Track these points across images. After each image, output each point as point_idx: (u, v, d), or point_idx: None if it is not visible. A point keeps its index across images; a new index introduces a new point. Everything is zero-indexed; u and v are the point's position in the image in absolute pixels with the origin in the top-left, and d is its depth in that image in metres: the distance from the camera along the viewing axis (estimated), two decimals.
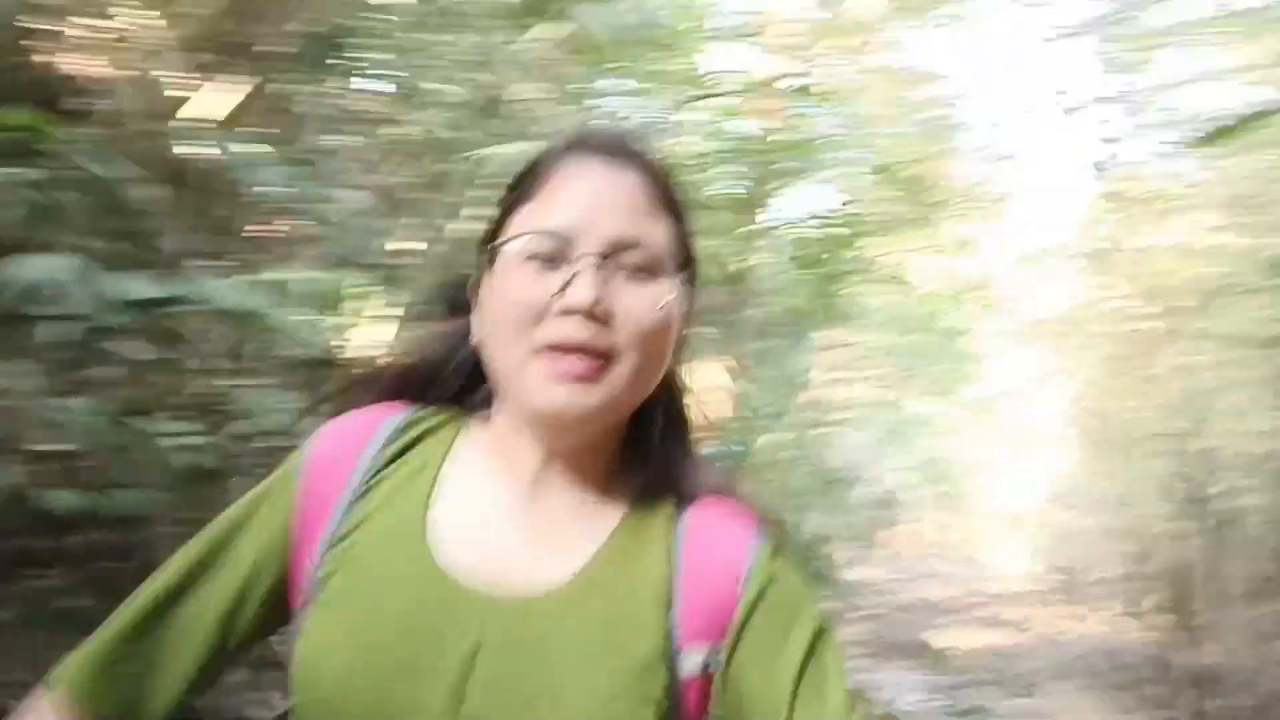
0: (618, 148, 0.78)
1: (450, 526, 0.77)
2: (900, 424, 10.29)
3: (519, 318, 0.72)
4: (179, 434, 2.06)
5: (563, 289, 0.71)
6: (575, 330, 0.70)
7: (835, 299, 6.04)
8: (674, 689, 0.71)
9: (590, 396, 0.71)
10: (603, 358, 0.71)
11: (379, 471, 0.80)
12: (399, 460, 0.81)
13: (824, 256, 5.75)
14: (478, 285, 0.79)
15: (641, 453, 0.80)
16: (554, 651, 0.71)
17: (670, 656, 0.72)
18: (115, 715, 0.76)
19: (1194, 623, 6.68)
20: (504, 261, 0.75)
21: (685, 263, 0.79)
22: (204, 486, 2.07)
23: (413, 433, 0.82)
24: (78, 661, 0.77)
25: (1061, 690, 6.36)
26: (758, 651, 0.72)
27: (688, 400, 0.85)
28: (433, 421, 0.83)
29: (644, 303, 0.73)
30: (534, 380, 0.71)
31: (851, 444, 9.04)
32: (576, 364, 0.70)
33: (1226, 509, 7.37)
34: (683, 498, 0.78)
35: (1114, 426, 8.16)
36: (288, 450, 0.85)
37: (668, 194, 0.78)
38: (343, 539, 0.77)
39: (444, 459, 0.81)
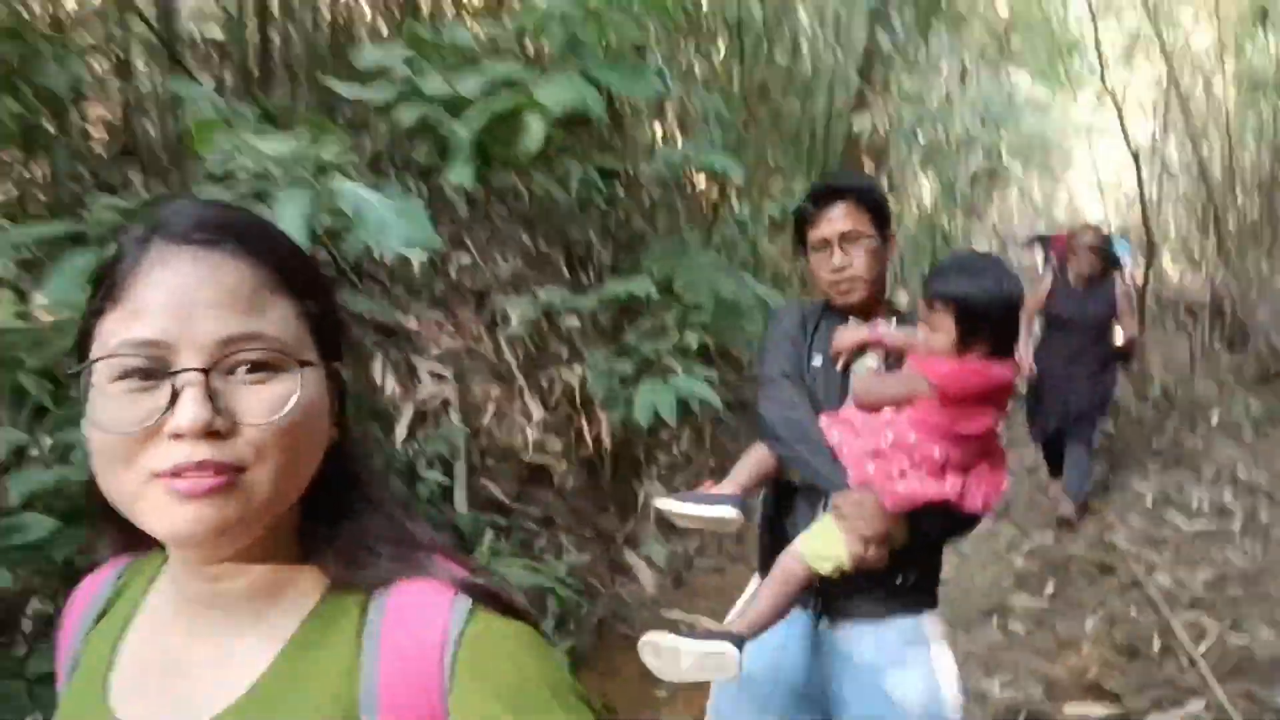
0: (209, 228, 0.65)
1: (131, 668, 0.73)
2: (1009, 99, 12.26)
3: (121, 449, 0.61)
4: None
5: (168, 410, 0.61)
6: (190, 453, 0.61)
7: None
8: None
9: (223, 511, 0.62)
10: (231, 470, 0.62)
11: (91, 629, 0.79)
12: (108, 613, 0.79)
13: None
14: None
15: (325, 540, 0.72)
16: None
17: None
18: None
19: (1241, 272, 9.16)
20: (94, 384, 0.63)
21: (325, 339, 0.70)
22: None
23: (122, 581, 0.80)
24: None
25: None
26: None
27: (375, 470, 0.78)
28: (146, 562, 0.79)
29: (268, 404, 0.64)
30: (154, 507, 0.62)
31: (961, 128, 10.56)
32: (200, 482, 0.61)
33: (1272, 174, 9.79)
34: (377, 582, 0.70)
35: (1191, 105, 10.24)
36: None
37: (283, 272, 0.67)
38: (64, 696, 0.78)
39: (142, 598, 0.77)
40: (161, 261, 0.64)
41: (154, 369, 0.62)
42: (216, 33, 4.34)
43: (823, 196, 1.82)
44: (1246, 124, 10.47)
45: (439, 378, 3.73)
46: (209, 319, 0.62)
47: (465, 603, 0.68)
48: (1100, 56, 10.74)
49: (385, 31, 4.78)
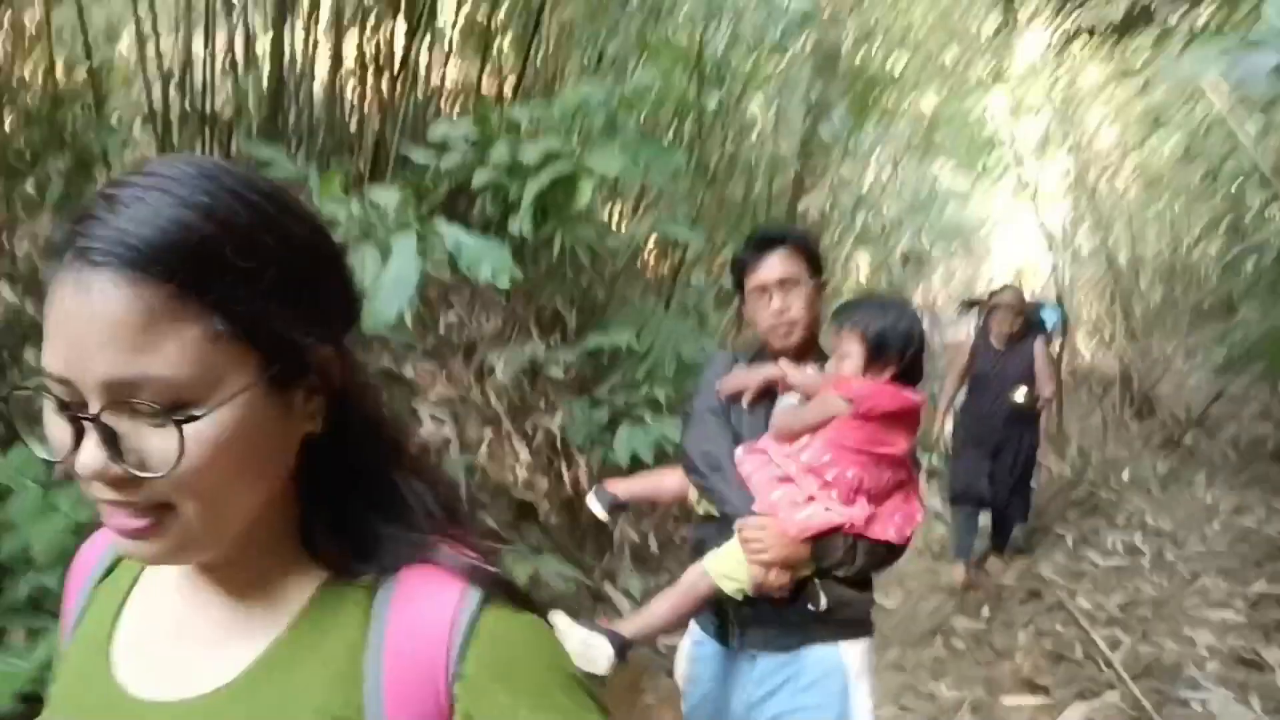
0: (102, 244, 0.56)
1: (132, 636, 0.73)
2: (932, 192, 13.17)
3: (71, 469, 0.59)
4: None
5: (75, 448, 0.58)
6: (103, 493, 0.59)
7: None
8: None
9: (158, 547, 0.61)
10: (154, 509, 0.59)
11: (95, 588, 0.78)
12: (115, 569, 0.78)
13: None
14: None
15: (325, 531, 0.70)
16: None
17: None
18: None
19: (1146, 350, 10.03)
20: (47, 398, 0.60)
21: (275, 337, 0.61)
22: None
23: None
24: None
25: None
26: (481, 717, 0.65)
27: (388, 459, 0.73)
28: None
29: (168, 452, 0.57)
30: (110, 527, 0.62)
31: (891, 213, 11.32)
32: (126, 521, 0.60)
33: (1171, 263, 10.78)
34: (385, 568, 0.69)
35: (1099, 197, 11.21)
36: None
37: (191, 288, 0.57)
38: (66, 654, 0.77)
39: (144, 567, 0.76)
40: (62, 285, 0.57)
41: (68, 402, 0.58)
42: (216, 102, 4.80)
43: (761, 244, 1.88)
44: (1148, 217, 11.48)
45: (438, 420, 4.07)
46: (96, 359, 0.56)
47: (476, 593, 0.67)
48: (1015, 151, 11.72)
49: (368, 101, 5.30)
